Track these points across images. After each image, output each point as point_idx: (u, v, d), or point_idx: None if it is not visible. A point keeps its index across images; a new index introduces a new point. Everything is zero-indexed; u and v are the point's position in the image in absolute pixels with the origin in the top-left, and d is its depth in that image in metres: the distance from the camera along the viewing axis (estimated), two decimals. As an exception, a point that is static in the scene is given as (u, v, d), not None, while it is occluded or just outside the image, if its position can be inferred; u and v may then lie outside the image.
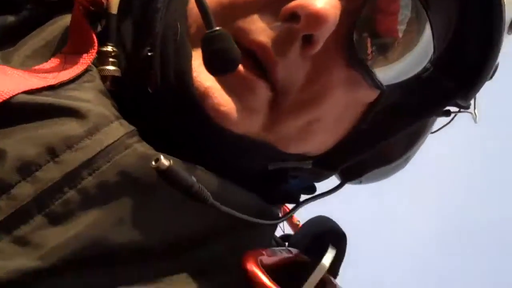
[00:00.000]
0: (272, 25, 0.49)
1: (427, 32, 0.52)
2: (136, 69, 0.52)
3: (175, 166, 0.45)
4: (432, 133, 0.65)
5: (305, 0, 0.47)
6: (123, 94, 0.51)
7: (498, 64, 0.59)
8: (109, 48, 0.53)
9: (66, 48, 0.53)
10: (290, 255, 0.57)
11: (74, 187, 0.45)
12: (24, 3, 0.55)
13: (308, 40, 0.48)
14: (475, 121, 0.62)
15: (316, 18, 0.47)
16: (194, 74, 0.49)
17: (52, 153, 0.45)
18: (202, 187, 0.47)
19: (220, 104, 0.49)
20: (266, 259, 0.53)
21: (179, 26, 0.50)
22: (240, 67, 0.48)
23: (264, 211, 0.57)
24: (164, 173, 0.44)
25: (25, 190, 0.44)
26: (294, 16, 0.48)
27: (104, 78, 0.52)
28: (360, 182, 0.67)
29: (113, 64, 0.52)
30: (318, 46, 0.49)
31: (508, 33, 0.56)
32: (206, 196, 0.47)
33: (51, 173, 0.44)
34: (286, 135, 0.53)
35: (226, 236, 0.52)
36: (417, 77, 0.54)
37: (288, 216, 0.61)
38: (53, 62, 0.52)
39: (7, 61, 0.52)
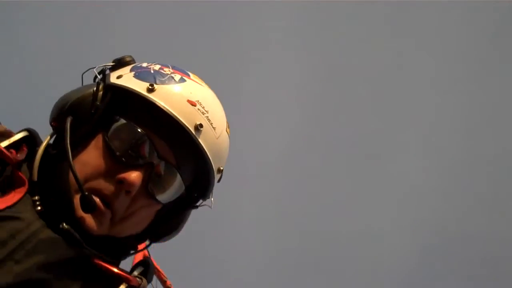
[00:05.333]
0: (110, 185, 1.17)
1: (179, 180, 1.23)
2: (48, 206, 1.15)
3: None
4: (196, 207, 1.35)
5: (125, 175, 1.16)
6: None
7: (221, 176, 1.33)
8: (36, 197, 1.16)
9: (12, 187, 1.16)
10: None
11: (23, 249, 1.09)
12: None
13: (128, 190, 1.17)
14: (211, 207, 1.35)
15: (129, 184, 1.17)
16: (77, 211, 1.15)
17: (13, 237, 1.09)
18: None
19: (86, 221, 1.16)
20: None
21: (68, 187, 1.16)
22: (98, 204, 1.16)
23: None
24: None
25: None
26: (121, 180, 1.16)
27: (34, 203, 1.16)
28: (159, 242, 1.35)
29: (38, 204, 1.15)
30: (133, 194, 1.18)
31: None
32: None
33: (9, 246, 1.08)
34: (120, 230, 1.21)
35: None
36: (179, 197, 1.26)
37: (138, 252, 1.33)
38: (6, 193, 1.15)
39: None
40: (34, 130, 1.23)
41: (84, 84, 1.26)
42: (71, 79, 1.32)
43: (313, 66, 4.32)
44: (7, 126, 1.23)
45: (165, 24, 4.22)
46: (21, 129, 1.22)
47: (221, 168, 1.29)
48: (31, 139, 1.21)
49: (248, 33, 4.32)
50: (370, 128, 4.24)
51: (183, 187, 1.23)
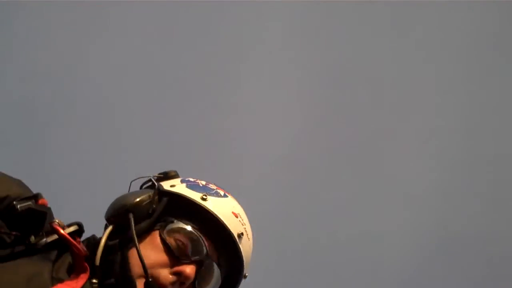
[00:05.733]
0: (167, 276, 1.35)
1: (218, 276, 1.42)
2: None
3: None
4: None
5: (182, 268, 1.35)
6: None
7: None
8: (94, 280, 1.32)
9: (75, 273, 1.33)
10: None
11: None
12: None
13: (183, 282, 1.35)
14: None
15: (186, 277, 1.35)
16: None
17: None
18: None
19: None
20: None
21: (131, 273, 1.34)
22: None
23: None
24: None
25: None
26: (178, 273, 1.35)
27: (92, 284, 1.32)
28: None
29: (96, 287, 1.33)
30: (186, 286, 1.36)
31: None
32: None
33: None
34: None
35: None
36: None
37: None
38: (72, 278, 1.30)
39: (58, 280, 1.30)
40: (81, 223, 1.41)
41: (131, 189, 1.49)
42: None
43: (313, 66, 4.32)
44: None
45: (164, 24, 4.22)
46: (71, 222, 1.40)
47: (247, 274, 1.50)
48: (80, 232, 1.40)
49: (248, 33, 4.32)
50: (370, 128, 4.24)
51: (219, 284, 1.44)
